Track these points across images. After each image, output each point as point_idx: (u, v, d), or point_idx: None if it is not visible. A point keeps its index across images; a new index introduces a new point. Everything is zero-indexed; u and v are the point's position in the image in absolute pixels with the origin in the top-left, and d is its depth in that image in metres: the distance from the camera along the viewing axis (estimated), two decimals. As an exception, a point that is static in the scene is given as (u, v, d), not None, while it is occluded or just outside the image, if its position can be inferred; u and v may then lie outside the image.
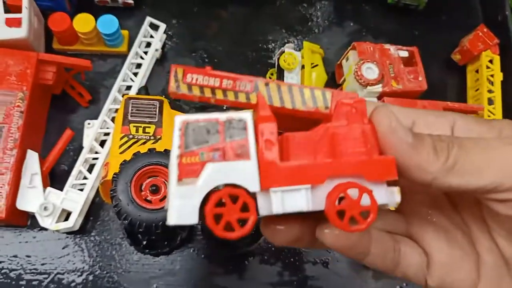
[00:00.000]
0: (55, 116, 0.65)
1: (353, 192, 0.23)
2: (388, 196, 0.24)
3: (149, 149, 0.48)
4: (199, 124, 0.23)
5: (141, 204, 0.45)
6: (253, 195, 0.23)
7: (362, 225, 0.23)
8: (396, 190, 0.24)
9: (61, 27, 0.63)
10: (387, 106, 0.24)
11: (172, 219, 0.22)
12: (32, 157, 0.57)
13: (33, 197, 0.56)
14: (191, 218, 0.22)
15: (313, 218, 0.25)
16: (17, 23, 0.59)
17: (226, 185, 0.23)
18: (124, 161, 0.47)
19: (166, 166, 0.47)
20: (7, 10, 0.60)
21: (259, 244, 0.60)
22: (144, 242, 0.58)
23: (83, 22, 0.64)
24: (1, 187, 0.54)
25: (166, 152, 0.48)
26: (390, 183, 0.24)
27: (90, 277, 0.58)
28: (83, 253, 0.59)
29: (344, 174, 0.23)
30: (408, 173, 0.24)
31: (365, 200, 0.23)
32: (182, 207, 0.22)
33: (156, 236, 0.57)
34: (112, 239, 0.60)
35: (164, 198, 0.47)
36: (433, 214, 0.28)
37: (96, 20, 0.64)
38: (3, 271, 0.57)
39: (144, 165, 0.47)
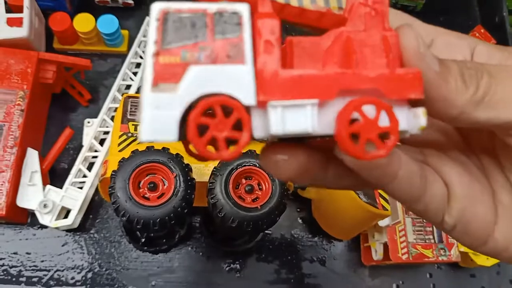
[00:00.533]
0: (55, 114, 0.66)
1: (369, 110, 0.19)
2: (410, 119, 0.20)
3: (147, 147, 0.49)
4: (181, 15, 0.19)
5: (139, 201, 0.46)
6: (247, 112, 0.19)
7: (382, 150, 0.19)
8: (421, 111, 0.20)
9: (62, 27, 0.64)
10: (412, 26, 0.21)
11: (145, 134, 0.18)
12: (32, 155, 0.57)
13: (33, 194, 0.56)
14: (168, 133, 0.18)
15: (322, 149, 0.22)
16: (18, 22, 0.60)
17: (212, 94, 0.18)
18: (123, 158, 0.48)
19: (164, 164, 0.48)
20: (8, 10, 0.61)
21: (257, 241, 0.61)
22: (143, 240, 0.59)
23: (83, 22, 0.65)
24: (1, 184, 0.54)
25: (164, 150, 0.49)
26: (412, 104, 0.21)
27: (89, 274, 0.59)
28: (83, 251, 0.60)
29: (358, 88, 0.19)
30: (430, 108, 0.21)
31: (384, 120, 0.19)
32: (157, 118, 0.18)
33: (154, 234, 0.58)
34: (111, 237, 0.61)
35: (162, 195, 0.47)
36: (446, 148, 0.25)
37: (96, 20, 0.65)
38: (3, 267, 0.58)
39: (142, 162, 0.47)
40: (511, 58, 0.24)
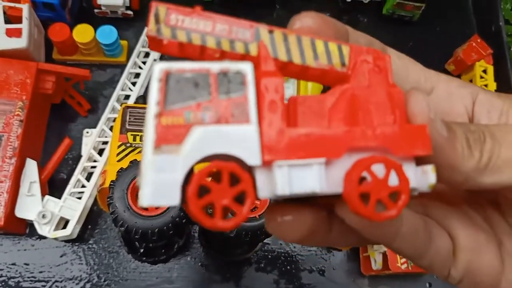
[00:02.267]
0: (55, 125, 0.66)
1: (378, 169, 0.19)
2: (418, 176, 0.20)
3: (146, 157, 0.49)
4: (184, 75, 0.18)
5: (138, 211, 0.46)
6: (250, 171, 0.18)
7: (393, 211, 0.19)
8: (430, 168, 0.20)
9: (61, 38, 0.64)
10: (420, 91, 0.21)
11: (146, 198, 0.17)
12: (31, 166, 0.57)
13: (32, 205, 0.56)
14: (171, 197, 0.17)
15: (324, 207, 0.22)
16: (17, 33, 0.60)
17: (216, 155, 0.18)
18: (121, 168, 0.48)
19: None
20: (7, 20, 0.61)
21: (256, 251, 0.61)
22: (142, 250, 0.58)
23: (83, 33, 0.65)
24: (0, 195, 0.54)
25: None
26: (418, 162, 0.20)
27: (88, 285, 0.59)
28: (81, 261, 0.60)
29: (365, 146, 0.19)
30: (436, 173, 0.20)
31: (393, 179, 0.19)
32: (160, 182, 0.17)
33: (153, 244, 0.58)
34: (109, 247, 0.61)
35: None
36: (448, 198, 0.25)
37: (95, 30, 0.65)
38: (1, 278, 0.58)
39: (141, 173, 0.47)
40: None
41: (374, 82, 0.20)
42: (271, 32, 0.20)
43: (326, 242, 0.23)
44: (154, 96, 0.18)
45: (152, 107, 0.18)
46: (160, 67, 0.18)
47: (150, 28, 0.18)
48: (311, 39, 0.20)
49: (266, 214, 0.22)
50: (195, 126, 0.18)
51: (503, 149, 0.21)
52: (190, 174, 0.18)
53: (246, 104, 0.18)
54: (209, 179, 0.18)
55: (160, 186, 0.17)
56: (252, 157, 0.18)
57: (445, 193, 0.25)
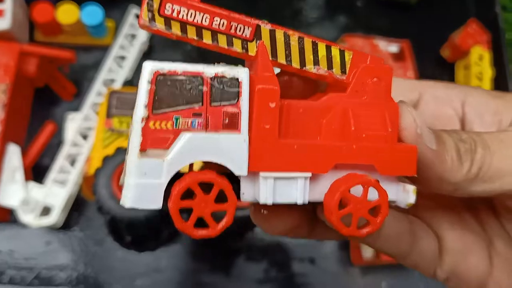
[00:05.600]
0: (39, 109, 0.63)
1: (356, 189, 0.19)
2: (400, 193, 0.20)
3: (132, 144, 0.47)
4: (177, 77, 0.18)
5: (123, 200, 0.45)
6: (232, 174, 0.18)
7: (374, 225, 0.19)
8: (411, 189, 0.21)
9: (45, 18, 0.62)
10: (408, 105, 0.21)
11: (128, 201, 0.17)
12: (14, 151, 0.56)
13: (15, 192, 0.54)
14: (154, 202, 0.17)
15: (311, 206, 0.22)
16: (0, 13, 0.58)
17: (203, 163, 0.18)
18: (107, 156, 0.46)
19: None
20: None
21: (246, 240, 0.60)
22: (128, 238, 0.57)
23: (67, 13, 0.62)
24: (-19, 181, 0.53)
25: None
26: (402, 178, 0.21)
27: (74, 274, 0.57)
28: (67, 249, 0.58)
29: (353, 162, 0.19)
30: (426, 184, 0.21)
31: (373, 194, 0.19)
32: (143, 187, 0.17)
33: (140, 232, 0.57)
34: (96, 235, 0.59)
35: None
36: (441, 196, 0.25)
37: (80, 10, 0.63)
38: (-16, 267, 0.56)
39: (127, 160, 0.46)
40: (507, 106, 0.24)
41: (372, 94, 0.20)
42: (272, 31, 0.19)
43: (310, 236, 0.24)
44: (142, 98, 0.18)
45: (140, 109, 0.18)
46: (150, 68, 0.18)
47: (143, 17, 0.18)
48: (313, 42, 0.20)
49: (251, 207, 0.22)
50: (184, 132, 0.18)
51: (494, 160, 0.21)
52: (176, 175, 0.18)
53: (238, 113, 0.18)
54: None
55: (143, 190, 0.17)
56: (239, 167, 0.18)
57: (438, 193, 0.26)
